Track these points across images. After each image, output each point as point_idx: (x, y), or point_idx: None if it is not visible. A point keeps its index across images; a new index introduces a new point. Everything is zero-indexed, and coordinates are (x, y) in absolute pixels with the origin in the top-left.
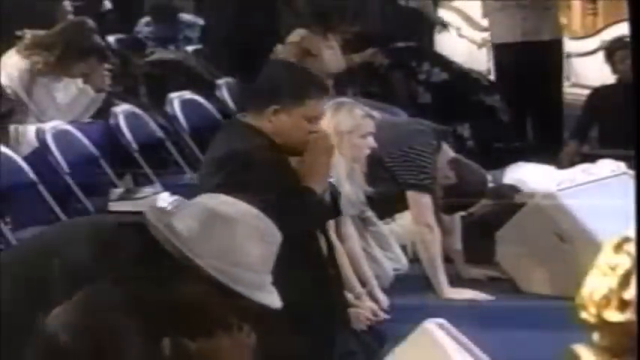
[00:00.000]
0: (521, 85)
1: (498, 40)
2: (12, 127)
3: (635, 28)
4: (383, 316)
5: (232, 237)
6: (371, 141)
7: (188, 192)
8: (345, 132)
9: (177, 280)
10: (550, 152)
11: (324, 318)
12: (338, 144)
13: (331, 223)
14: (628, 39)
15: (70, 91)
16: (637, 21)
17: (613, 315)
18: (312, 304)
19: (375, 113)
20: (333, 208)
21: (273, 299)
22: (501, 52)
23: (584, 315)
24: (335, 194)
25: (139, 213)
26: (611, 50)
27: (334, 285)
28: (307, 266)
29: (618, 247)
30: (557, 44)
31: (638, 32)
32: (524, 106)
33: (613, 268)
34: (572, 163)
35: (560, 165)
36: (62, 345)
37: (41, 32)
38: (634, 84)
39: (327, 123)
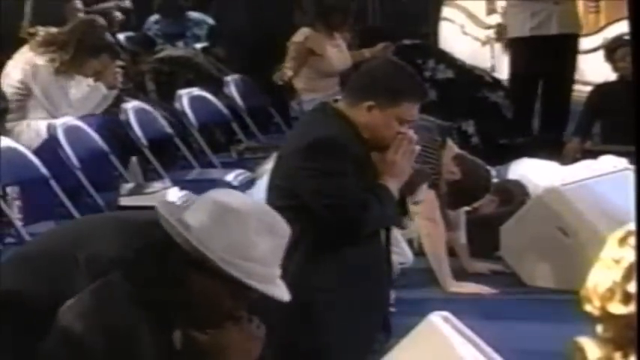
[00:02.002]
0: (533, 81)
1: (512, 34)
2: (24, 123)
3: (634, 26)
4: (389, 308)
5: (243, 231)
6: None
7: (197, 186)
8: None
9: (187, 273)
10: (554, 148)
11: (374, 312)
12: None
13: None
14: (627, 37)
15: (82, 88)
16: (637, 18)
17: (617, 307)
18: (367, 298)
19: None
20: (402, 208)
21: (282, 292)
22: (515, 46)
23: (588, 307)
24: (404, 194)
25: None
26: (611, 49)
27: (386, 282)
28: (368, 261)
29: (623, 241)
30: (571, 39)
31: (638, 29)
32: (531, 101)
33: (617, 261)
34: (574, 159)
35: (564, 161)
36: (77, 334)
37: (53, 30)
38: (633, 80)
39: None
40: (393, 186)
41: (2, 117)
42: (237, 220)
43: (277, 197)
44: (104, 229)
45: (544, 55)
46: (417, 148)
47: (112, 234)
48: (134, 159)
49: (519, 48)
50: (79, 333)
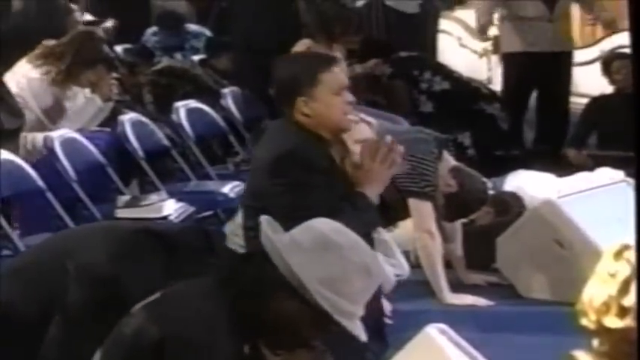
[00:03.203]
0: (525, 95)
1: (506, 49)
2: (21, 135)
3: (635, 33)
4: (385, 321)
5: (342, 267)
6: (365, 127)
7: (193, 199)
8: None
9: (276, 294)
10: (550, 160)
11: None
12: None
13: None
14: (623, 50)
15: (78, 100)
16: (637, 28)
17: (612, 321)
18: None
19: (372, 120)
20: (381, 214)
21: (360, 331)
22: (508, 61)
23: (583, 321)
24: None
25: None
26: (607, 62)
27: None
28: None
29: (618, 255)
30: (565, 57)
31: (639, 37)
32: (522, 114)
33: (613, 275)
34: (577, 167)
35: (560, 173)
36: (151, 337)
37: (51, 42)
38: (634, 90)
39: None
40: (371, 192)
41: (18, 134)
42: (339, 254)
43: (249, 217)
44: (93, 238)
45: (538, 71)
46: (400, 159)
47: (101, 243)
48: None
49: (512, 63)
50: (153, 335)
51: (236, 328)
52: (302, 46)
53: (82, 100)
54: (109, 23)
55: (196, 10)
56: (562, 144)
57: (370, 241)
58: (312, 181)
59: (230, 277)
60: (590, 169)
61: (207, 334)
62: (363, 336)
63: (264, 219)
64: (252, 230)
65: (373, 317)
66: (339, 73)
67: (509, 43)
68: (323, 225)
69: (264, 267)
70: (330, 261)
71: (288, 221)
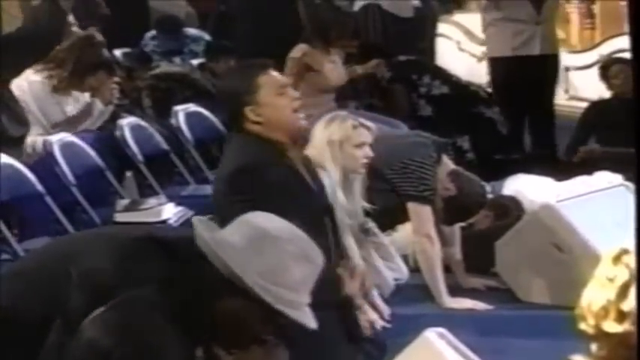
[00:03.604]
0: (516, 98)
1: (493, 53)
2: None
3: (635, 36)
4: (384, 325)
5: (279, 257)
6: (367, 151)
7: (192, 202)
8: (337, 141)
9: (219, 293)
10: (548, 164)
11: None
12: (331, 154)
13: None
14: (622, 54)
15: (78, 104)
16: (637, 31)
17: (611, 326)
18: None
19: (371, 124)
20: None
21: (309, 319)
22: (496, 65)
23: (582, 326)
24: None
25: (155, 224)
26: (605, 67)
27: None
28: None
29: (617, 259)
30: (552, 59)
31: (639, 41)
32: (520, 119)
33: (611, 280)
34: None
35: (559, 177)
36: (103, 347)
37: None
38: (634, 93)
39: (320, 135)
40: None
41: (22, 142)
42: (275, 245)
43: None
44: (97, 244)
45: (525, 74)
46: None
47: (105, 249)
48: (129, 175)
49: (500, 67)
50: (104, 345)
51: (185, 333)
52: (298, 51)
53: (82, 104)
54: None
55: (195, 14)
56: (552, 146)
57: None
58: (267, 195)
59: (170, 283)
60: (589, 172)
61: (156, 341)
62: (312, 323)
63: (195, 219)
64: None
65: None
66: (277, 74)
67: (498, 48)
68: (256, 217)
69: (203, 268)
70: (266, 252)
71: None
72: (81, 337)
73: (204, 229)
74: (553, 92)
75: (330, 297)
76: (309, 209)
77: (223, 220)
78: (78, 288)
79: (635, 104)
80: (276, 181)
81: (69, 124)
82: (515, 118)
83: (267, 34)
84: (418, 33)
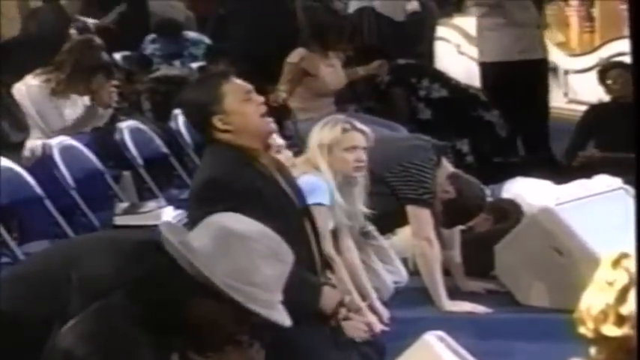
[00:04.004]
0: (513, 102)
1: (493, 58)
2: None
3: (635, 40)
4: (383, 328)
5: (247, 256)
6: (359, 154)
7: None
8: (326, 145)
9: (190, 296)
10: (548, 167)
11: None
12: (322, 157)
13: (328, 237)
14: (621, 58)
15: (77, 108)
16: (637, 34)
17: (610, 330)
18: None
19: (366, 128)
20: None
21: (283, 317)
22: (495, 70)
23: (581, 329)
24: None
25: (155, 228)
26: (604, 71)
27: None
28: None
29: (616, 263)
30: (544, 63)
31: (638, 44)
32: (515, 123)
33: (610, 284)
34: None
35: (558, 180)
36: (78, 356)
37: None
38: (634, 97)
39: (314, 138)
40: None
41: (21, 148)
42: (242, 245)
43: None
44: (98, 248)
45: (526, 78)
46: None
47: (106, 254)
48: (127, 175)
49: (500, 72)
50: (79, 355)
51: (159, 338)
52: (296, 56)
53: (81, 107)
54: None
55: (195, 17)
56: (548, 149)
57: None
58: (238, 205)
59: (138, 289)
60: (588, 176)
61: (130, 349)
62: (286, 321)
63: (163, 224)
64: None
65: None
66: (239, 81)
67: (500, 52)
68: (224, 218)
69: (172, 272)
70: (235, 252)
71: None
72: (57, 347)
73: (170, 233)
74: (548, 96)
75: (312, 305)
76: (286, 214)
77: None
78: (78, 292)
79: (634, 108)
80: (247, 189)
81: (72, 129)
82: (511, 123)
83: (263, 38)
84: (415, 36)
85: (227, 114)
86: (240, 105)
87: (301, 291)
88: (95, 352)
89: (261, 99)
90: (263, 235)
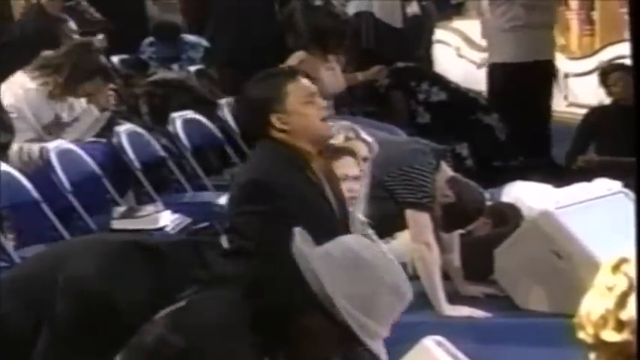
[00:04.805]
0: (517, 104)
1: (506, 59)
2: (16, 146)
3: (635, 42)
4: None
5: (372, 285)
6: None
7: (189, 210)
8: None
9: (304, 308)
10: (547, 171)
11: None
12: None
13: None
14: (622, 61)
15: (74, 111)
16: (637, 37)
17: (610, 335)
18: None
19: (369, 139)
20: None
21: (382, 351)
22: (502, 71)
23: (581, 335)
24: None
25: (143, 230)
26: (605, 73)
27: None
28: None
29: (616, 268)
30: (552, 65)
31: (639, 47)
32: (519, 125)
33: (610, 289)
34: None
35: (558, 184)
36: (172, 344)
37: (48, 53)
38: (635, 99)
39: None
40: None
41: (6, 149)
42: (370, 273)
43: (227, 241)
44: (83, 251)
45: (528, 81)
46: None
47: (90, 256)
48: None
49: (508, 73)
50: (175, 342)
51: (258, 340)
52: (296, 59)
53: (78, 110)
54: (100, 37)
55: (193, 20)
56: (549, 153)
57: None
58: (279, 208)
59: (256, 289)
60: (588, 179)
61: (228, 345)
62: (383, 356)
63: (296, 230)
64: (235, 254)
65: None
66: (306, 82)
67: (515, 53)
68: (354, 242)
69: (294, 281)
70: (362, 279)
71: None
72: (151, 331)
73: (303, 242)
74: (552, 97)
75: None
76: (326, 223)
77: (231, 228)
78: (63, 295)
79: (635, 111)
80: (292, 193)
81: (65, 131)
82: (515, 125)
83: (249, 43)
84: (414, 40)
85: (287, 113)
86: (302, 106)
87: None
88: (192, 344)
89: (324, 103)
90: (390, 267)
